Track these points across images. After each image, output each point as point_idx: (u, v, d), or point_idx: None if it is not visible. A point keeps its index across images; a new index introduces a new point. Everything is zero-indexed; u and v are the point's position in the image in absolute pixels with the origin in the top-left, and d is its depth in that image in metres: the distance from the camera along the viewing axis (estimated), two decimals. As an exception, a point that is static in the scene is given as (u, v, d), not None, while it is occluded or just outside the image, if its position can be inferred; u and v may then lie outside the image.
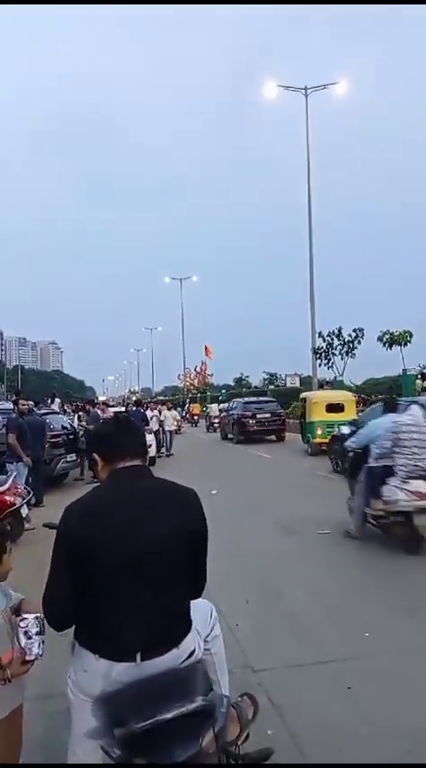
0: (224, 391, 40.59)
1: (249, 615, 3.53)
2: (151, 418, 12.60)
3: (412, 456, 4.21)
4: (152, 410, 14.26)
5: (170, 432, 13.72)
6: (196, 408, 20.63)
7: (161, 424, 13.57)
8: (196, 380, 53.64)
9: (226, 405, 19.46)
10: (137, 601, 1.45)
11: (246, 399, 16.95)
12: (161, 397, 53.75)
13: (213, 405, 21.76)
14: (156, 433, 12.57)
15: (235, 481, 8.68)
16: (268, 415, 14.98)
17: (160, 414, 14.23)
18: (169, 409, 14.60)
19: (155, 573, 1.46)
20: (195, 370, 55.43)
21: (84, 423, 10.61)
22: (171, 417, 14.09)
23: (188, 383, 53.30)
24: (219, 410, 21.27)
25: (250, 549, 5.02)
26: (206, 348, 54.00)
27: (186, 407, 33.67)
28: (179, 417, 15.21)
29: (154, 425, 12.65)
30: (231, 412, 16.47)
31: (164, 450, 13.30)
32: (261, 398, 16.88)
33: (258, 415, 14.98)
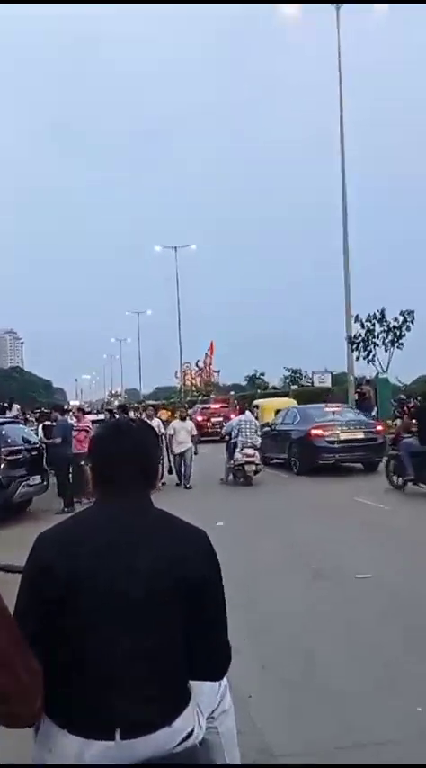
0: (232, 393, 40.91)
1: (267, 683, 3.57)
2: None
3: (245, 436, 12.29)
4: (149, 417, 13.12)
5: (184, 454, 12.59)
6: (164, 415, 20.06)
7: (170, 440, 12.61)
8: (198, 379, 55.60)
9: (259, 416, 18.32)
10: (119, 660, 1.43)
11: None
12: (151, 402, 53.86)
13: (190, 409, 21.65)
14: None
15: (248, 518, 9.02)
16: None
17: (162, 423, 13.69)
18: (183, 419, 13.24)
19: (144, 628, 1.45)
20: (197, 365, 57.98)
21: (54, 435, 10.55)
22: (185, 431, 12.78)
23: (188, 382, 53.76)
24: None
25: (266, 595, 5.26)
26: (211, 346, 54.54)
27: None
28: (195, 432, 13.30)
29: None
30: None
31: (169, 476, 12.63)
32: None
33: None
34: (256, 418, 16.88)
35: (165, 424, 13.95)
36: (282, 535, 7.67)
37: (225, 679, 1.78)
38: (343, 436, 12.85)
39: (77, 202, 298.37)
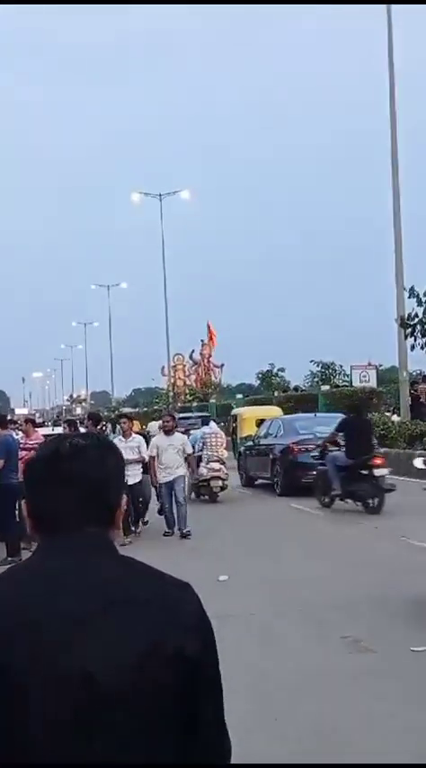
0: (240, 396, 41.03)
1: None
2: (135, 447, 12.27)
3: (210, 450, 15.90)
4: (125, 434, 12.75)
5: (173, 485, 12.46)
6: (135, 427, 19.93)
7: (150, 464, 12.42)
8: (193, 376, 55.71)
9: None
10: None
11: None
12: (127, 410, 53.75)
13: (154, 422, 22.49)
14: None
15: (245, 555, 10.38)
16: None
17: (145, 440, 13.22)
18: (169, 431, 12.69)
19: (115, 734, 1.49)
20: (191, 358, 56.83)
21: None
22: (173, 450, 12.57)
23: (179, 381, 54.18)
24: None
25: (285, 676, 5.69)
26: (208, 328, 54.15)
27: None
28: (190, 449, 13.33)
29: (137, 454, 12.21)
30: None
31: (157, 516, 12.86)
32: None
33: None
34: (233, 430, 21.46)
35: (148, 438, 13.92)
36: (284, 576, 8.80)
37: None
38: None
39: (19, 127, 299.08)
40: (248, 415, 23.34)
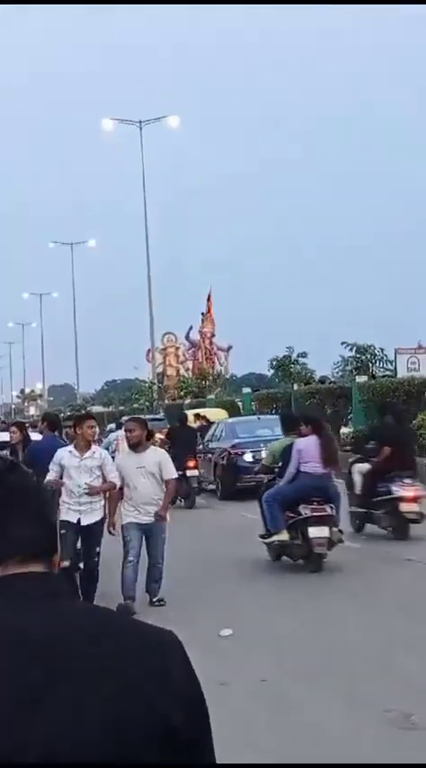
0: (248, 391, 41.34)
1: None
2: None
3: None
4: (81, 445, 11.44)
5: (150, 529, 11.16)
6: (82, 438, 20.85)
7: (113, 497, 11.09)
8: (191, 362, 55.44)
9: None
10: None
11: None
12: (97, 408, 52.26)
13: (115, 433, 24.10)
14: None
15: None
16: None
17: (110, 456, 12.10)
18: (137, 445, 11.42)
19: None
20: (187, 338, 56.72)
21: None
22: (145, 475, 11.17)
23: (170, 368, 55.12)
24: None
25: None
26: (209, 299, 53.30)
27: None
28: (174, 473, 12.07)
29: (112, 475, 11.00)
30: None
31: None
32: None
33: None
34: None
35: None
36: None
37: None
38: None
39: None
40: (193, 418, 28.33)
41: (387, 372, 32.45)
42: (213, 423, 27.43)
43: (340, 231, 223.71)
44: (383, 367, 33.70)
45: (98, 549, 10.82)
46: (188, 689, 1.66)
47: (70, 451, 10.81)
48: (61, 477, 10.65)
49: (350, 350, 35.20)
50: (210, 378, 51.04)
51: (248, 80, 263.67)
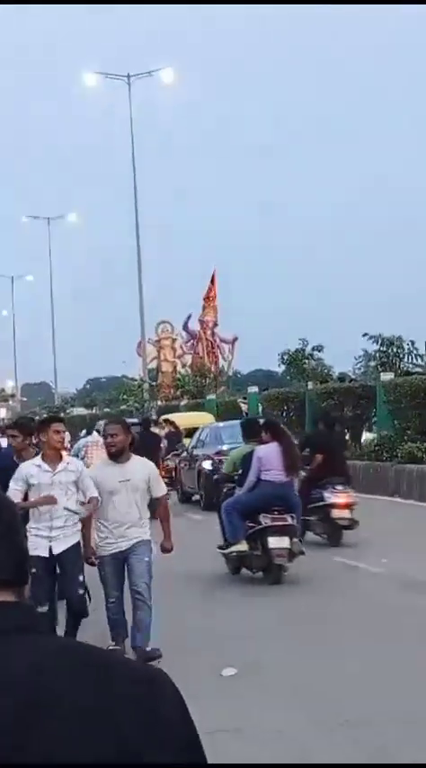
0: (254, 390, 41.45)
1: None
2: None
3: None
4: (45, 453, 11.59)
5: (128, 556, 10.72)
6: (24, 449, 24.14)
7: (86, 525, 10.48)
8: (190, 357, 55.59)
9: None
10: None
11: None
12: (78, 410, 51.57)
13: (85, 439, 26.25)
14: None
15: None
16: None
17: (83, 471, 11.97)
18: (118, 454, 10.79)
19: None
20: (185, 328, 56.89)
21: None
22: (130, 490, 10.54)
23: (166, 363, 55.07)
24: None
25: None
26: (212, 280, 53.43)
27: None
28: (163, 491, 11.98)
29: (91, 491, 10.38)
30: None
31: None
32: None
33: None
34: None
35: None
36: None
37: None
38: None
39: None
40: (177, 423, 31.04)
41: (418, 369, 32.49)
42: (192, 429, 28.92)
43: (366, 198, 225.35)
44: (413, 362, 33.71)
45: (81, 576, 10.29)
46: (181, 734, 1.75)
47: (38, 465, 10.11)
48: (26, 498, 9.99)
49: (375, 342, 35.29)
50: (211, 375, 50.83)
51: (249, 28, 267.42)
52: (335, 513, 16.12)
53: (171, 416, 33.99)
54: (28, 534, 9.62)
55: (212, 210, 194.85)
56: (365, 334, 35.55)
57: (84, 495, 10.11)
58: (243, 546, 13.38)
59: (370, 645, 10.07)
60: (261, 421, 16.82)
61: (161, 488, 10.82)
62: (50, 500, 9.87)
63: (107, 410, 55.99)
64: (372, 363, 36.43)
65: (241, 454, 14.54)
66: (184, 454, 26.09)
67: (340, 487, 16.56)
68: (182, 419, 33.35)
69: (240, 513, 13.49)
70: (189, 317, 57.22)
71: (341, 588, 13.17)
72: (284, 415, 34.67)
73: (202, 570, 14.82)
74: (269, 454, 13.47)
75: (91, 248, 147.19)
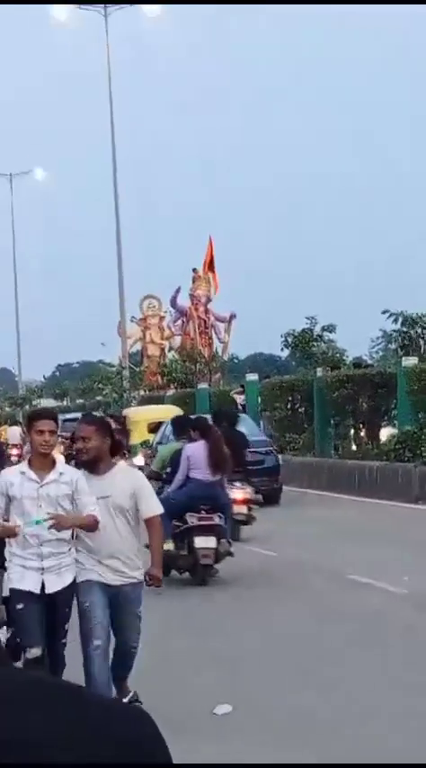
0: (254, 378, 41.12)
1: None
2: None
3: None
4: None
5: (116, 596, 10.46)
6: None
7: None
8: (179, 337, 55.40)
9: None
10: None
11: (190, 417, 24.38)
12: (45, 401, 50.43)
13: (13, 427, 29.61)
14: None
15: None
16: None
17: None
18: (94, 463, 10.52)
19: None
20: (173, 305, 56.14)
21: None
22: (128, 508, 10.96)
23: (152, 346, 55.29)
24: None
25: None
26: (210, 247, 52.72)
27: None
28: (149, 501, 13.15)
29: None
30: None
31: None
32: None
33: None
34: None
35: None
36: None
37: None
38: None
39: None
40: (138, 417, 31.48)
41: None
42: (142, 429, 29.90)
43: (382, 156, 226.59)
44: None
45: (66, 626, 9.79)
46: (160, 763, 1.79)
47: (23, 473, 9.47)
48: (5, 515, 9.41)
49: (395, 321, 35.42)
50: (203, 360, 50.24)
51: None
52: (233, 508, 17.48)
53: (129, 411, 34.26)
54: (8, 565, 9.26)
55: (201, 167, 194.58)
56: (384, 312, 35.61)
57: (73, 506, 9.41)
58: (169, 545, 13.99)
59: (390, 676, 10.36)
60: (193, 417, 19.29)
61: (151, 506, 10.05)
62: (9, 531, 9.10)
63: (81, 401, 56.48)
64: (392, 346, 37.02)
65: (170, 451, 16.38)
66: (149, 451, 27.05)
67: (238, 484, 18.66)
68: (146, 413, 34.28)
69: (167, 511, 13.57)
70: (177, 291, 56.31)
71: (354, 610, 13.25)
72: (289, 407, 34.60)
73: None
74: (196, 452, 15.01)
75: (62, 210, 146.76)
